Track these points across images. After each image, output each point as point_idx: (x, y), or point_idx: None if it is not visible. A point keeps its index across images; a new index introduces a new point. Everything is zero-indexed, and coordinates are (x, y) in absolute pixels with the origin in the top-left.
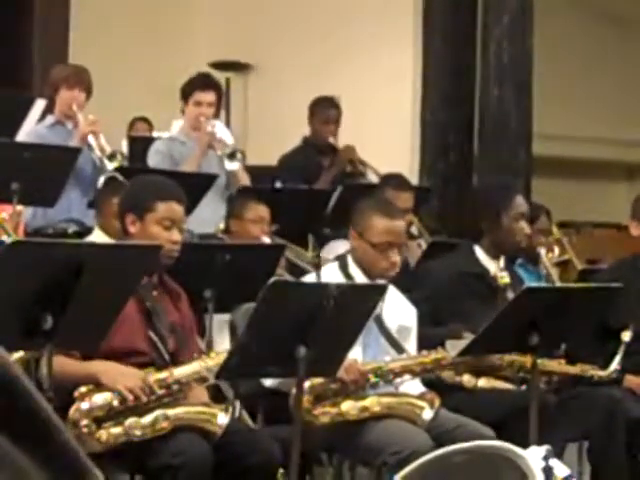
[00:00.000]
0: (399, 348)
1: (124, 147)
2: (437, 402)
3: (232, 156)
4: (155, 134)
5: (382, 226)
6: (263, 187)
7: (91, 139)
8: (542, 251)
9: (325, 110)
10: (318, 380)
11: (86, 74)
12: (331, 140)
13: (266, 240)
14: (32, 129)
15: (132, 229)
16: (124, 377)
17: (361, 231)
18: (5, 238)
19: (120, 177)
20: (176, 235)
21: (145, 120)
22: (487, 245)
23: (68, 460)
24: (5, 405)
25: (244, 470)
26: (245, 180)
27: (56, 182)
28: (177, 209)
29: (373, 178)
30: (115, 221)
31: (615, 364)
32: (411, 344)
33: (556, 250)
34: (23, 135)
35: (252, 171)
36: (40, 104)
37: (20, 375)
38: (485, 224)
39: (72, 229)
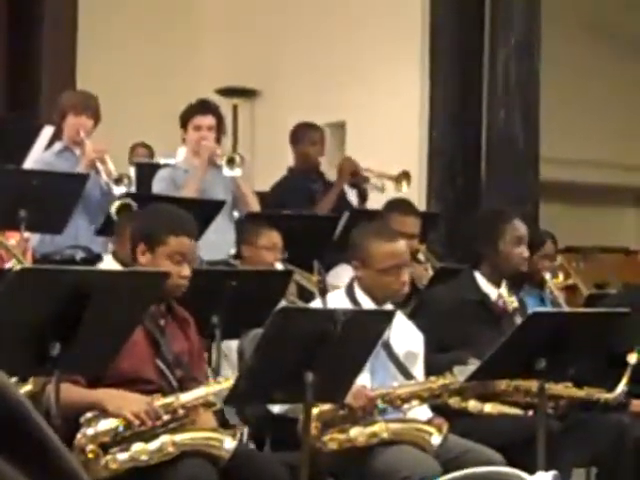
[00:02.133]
0: (407, 374)
1: (132, 173)
2: (445, 428)
3: (231, 162)
4: (162, 160)
5: (384, 251)
6: (271, 213)
7: (98, 164)
8: (547, 275)
9: (308, 132)
10: (326, 407)
11: (94, 101)
12: (320, 160)
13: (279, 267)
14: (40, 156)
15: (142, 259)
16: (129, 402)
17: (363, 260)
18: (10, 264)
19: (133, 203)
20: (186, 270)
21: (145, 146)
22: (487, 271)
23: None
24: (5, 428)
25: None
26: (252, 198)
27: (64, 209)
28: (189, 244)
29: (383, 182)
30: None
31: (621, 386)
32: (418, 369)
33: (560, 276)
34: (31, 162)
35: (260, 197)
36: (48, 131)
37: (21, 398)
38: (483, 250)
39: (79, 256)
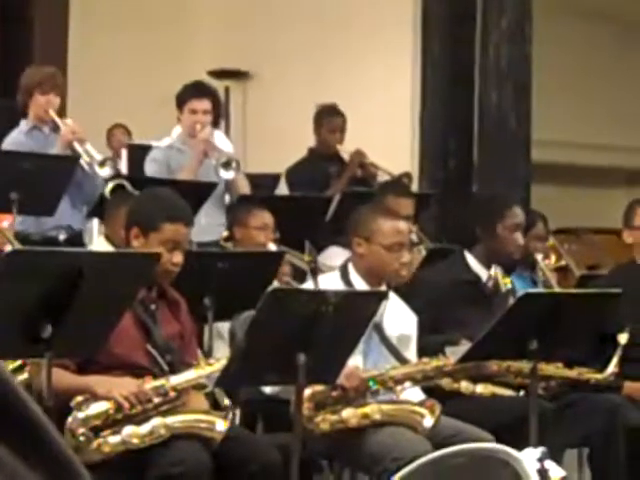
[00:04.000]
0: (400, 357)
1: (124, 155)
2: (437, 409)
3: (227, 165)
4: (154, 143)
5: (390, 227)
6: (263, 195)
7: (77, 146)
8: (539, 257)
9: (331, 118)
10: (318, 388)
11: (59, 77)
12: (339, 147)
13: (272, 247)
14: (10, 138)
15: (135, 243)
16: (118, 385)
17: (368, 236)
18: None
19: (127, 184)
20: (178, 257)
21: (122, 126)
22: (480, 252)
23: (61, 466)
24: (2, 414)
25: (244, 477)
26: (244, 185)
27: (55, 191)
28: (183, 232)
29: (386, 178)
30: (121, 231)
31: (612, 367)
32: (411, 351)
33: (552, 257)
34: (4, 145)
35: (252, 179)
36: None
37: (12, 381)
38: (481, 232)
39: (62, 236)
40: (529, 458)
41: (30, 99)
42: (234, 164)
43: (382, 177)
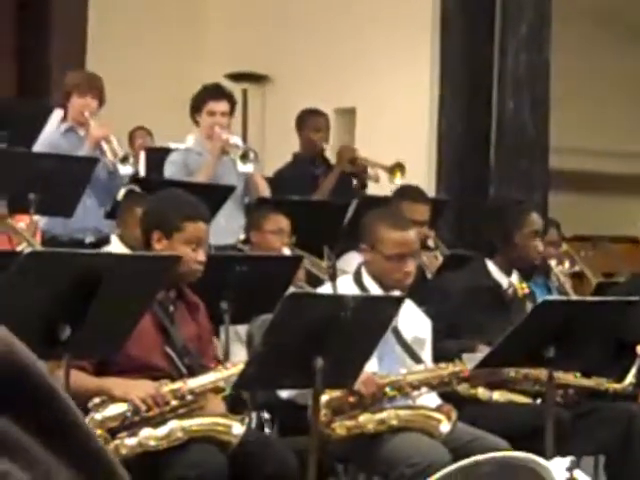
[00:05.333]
0: (416, 358)
1: (142, 158)
2: (454, 415)
3: (245, 157)
4: (172, 145)
5: (392, 238)
6: (281, 198)
7: (103, 144)
8: (553, 263)
9: (314, 118)
10: (335, 394)
11: (98, 81)
12: (325, 146)
13: (286, 251)
14: (46, 137)
15: (158, 246)
16: (136, 387)
17: (372, 244)
18: (23, 247)
19: (138, 189)
20: (202, 255)
21: (144, 129)
22: (500, 260)
23: (98, 464)
24: (11, 390)
25: None
26: (263, 185)
27: (73, 192)
28: (204, 229)
29: (380, 174)
30: (136, 231)
31: (630, 377)
32: (426, 356)
33: (566, 263)
34: (38, 145)
35: (269, 182)
36: (58, 114)
37: (43, 374)
38: (499, 241)
39: (89, 239)
40: (558, 467)
41: (68, 101)
42: (252, 155)
43: (373, 171)
